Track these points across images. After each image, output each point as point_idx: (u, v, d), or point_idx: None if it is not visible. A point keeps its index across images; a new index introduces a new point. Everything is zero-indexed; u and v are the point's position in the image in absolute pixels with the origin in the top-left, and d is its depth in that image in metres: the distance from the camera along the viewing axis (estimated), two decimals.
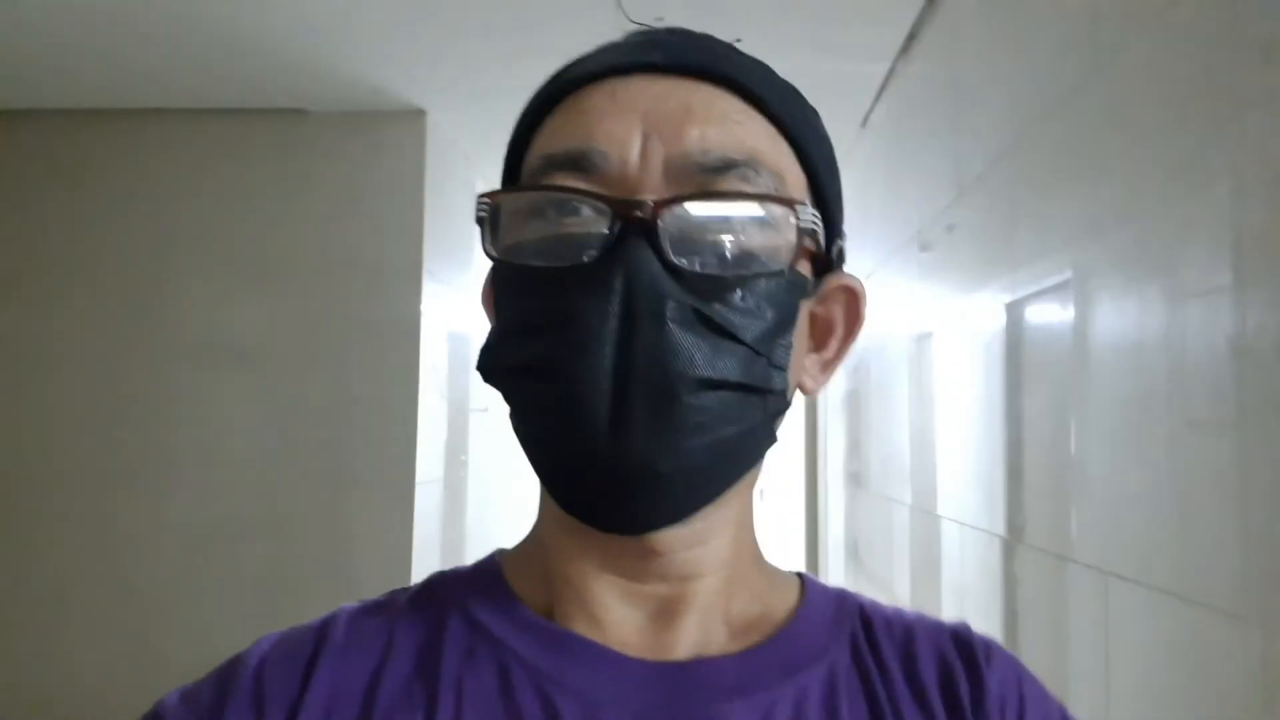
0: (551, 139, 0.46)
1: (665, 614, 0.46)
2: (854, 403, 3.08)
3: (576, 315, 0.41)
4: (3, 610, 2.60)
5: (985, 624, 1.43)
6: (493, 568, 0.50)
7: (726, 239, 0.43)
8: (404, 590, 0.51)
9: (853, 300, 0.50)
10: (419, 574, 2.57)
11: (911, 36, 2.17)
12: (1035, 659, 1.25)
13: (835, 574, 3.66)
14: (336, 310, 2.66)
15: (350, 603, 0.50)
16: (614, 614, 0.46)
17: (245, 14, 2.09)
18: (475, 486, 3.26)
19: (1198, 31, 0.93)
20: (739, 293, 0.42)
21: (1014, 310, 1.44)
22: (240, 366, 2.65)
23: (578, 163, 0.43)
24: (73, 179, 2.70)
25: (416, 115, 2.69)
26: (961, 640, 0.50)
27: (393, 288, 2.66)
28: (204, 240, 2.69)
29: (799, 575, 0.53)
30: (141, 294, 2.67)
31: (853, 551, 3.13)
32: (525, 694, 0.44)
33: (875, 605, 0.52)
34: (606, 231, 0.41)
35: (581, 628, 0.46)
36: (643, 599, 0.46)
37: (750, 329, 0.42)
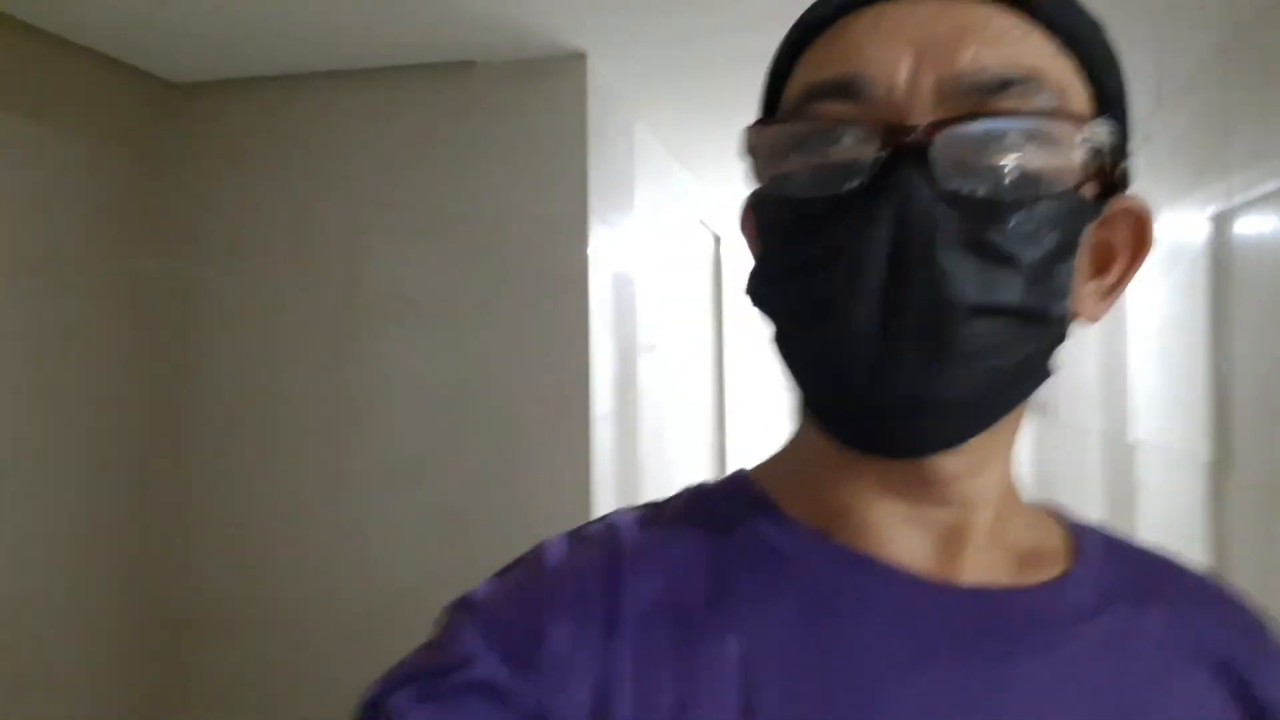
0: (814, 68, 0.45)
1: (950, 540, 0.46)
2: None
3: (845, 245, 0.40)
4: (224, 541, 2.93)
5: (1190, 554, 1.35)
6: (752, 487, 0.51)
7: (1004, 161, 0.41)
8: (665, 502, 0.52)
9: (1139, 225, 0.47)
10: (599, 506, 2.72)
11: None
12: (1248, 591, 1.18)
13: None
14: (508, 257, 2.78)
15: (622, 510, 0.51)
16: (899, 539, 0.46)
17: None
18: (645, 422, 3.35)
19: None
20: (1017, 217, 0.40)
21: (1221, 222, 1.33)
22: (422, 315, 2.83)
23: (843, 90, 0.42)
24: (269, 141, 2.94)
25: (577, 60, 2.73)
26: (1255, 625, 0.50)
27: (560, 233, 2.75)
28: (383, 196, 2.86)
29: (1051, 509, 0.54)
30: (332, 249, 2.89)
31: (1041, 483, 3.01)
32: (837, 616, 0.44)
33: (1154, 555, 0.52)
34: (874, 158, 0.40)
35: (869, 551, 0.46)
36: (926, 524, 0.46)
37: (1029, 254, 0.41)
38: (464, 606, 0.47)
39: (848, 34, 0.44)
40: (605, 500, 2.82)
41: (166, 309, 2.91)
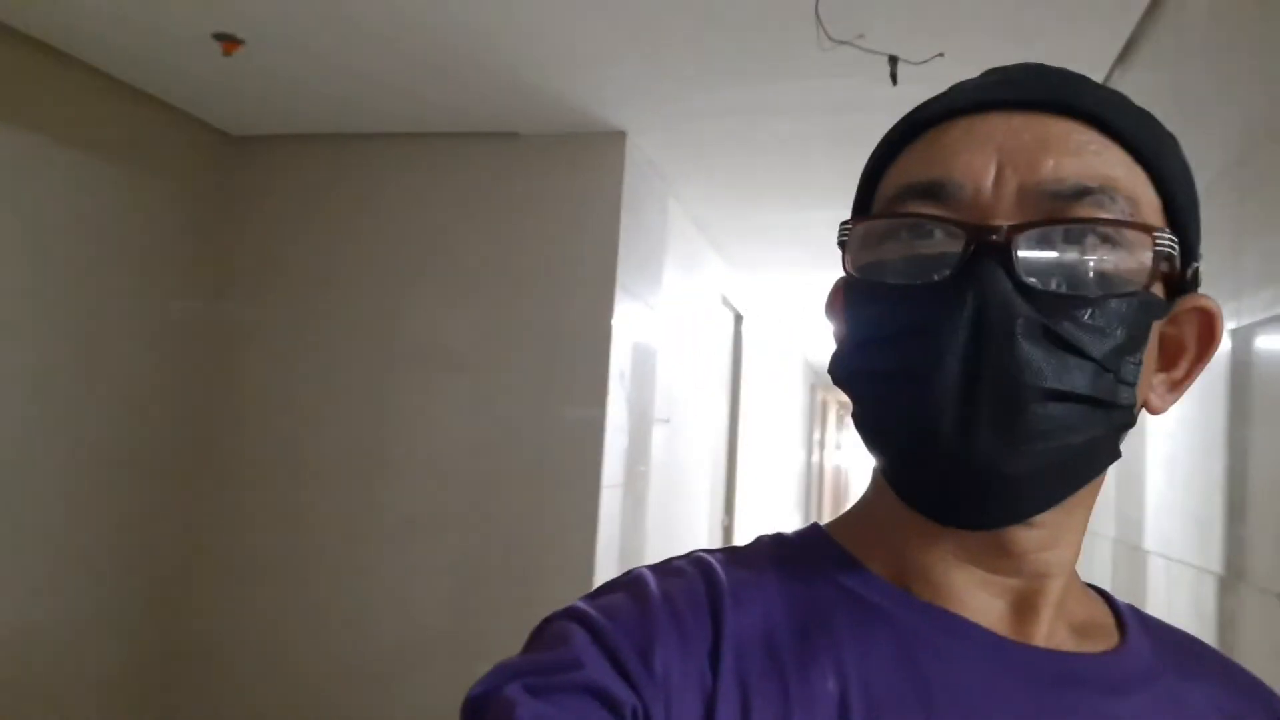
0: (908, 170, 0.49)
1: (1023, 606, 0.49)
2: None
3: (930, 328, 0.44)
4: (235, 581, 2.93)
5: None
6: (830, 541, 0.53)
7: (1079, 262, 0.44)
8: (744, 547, 0.55)
9: (1207, 322, 0.50)
10: (600, 572, 2.69)
11: (1130, 44, 2.06)
12: None
13: None
14: (537, 320, 2.83)
15: (701, 550, 0.54)
16: (975, 601, 0.49)
17: (470, 43, 2.28)
18: (654, 493, 3.35)
19: None
20: (1089, 311, 0.44)
21: (1240, 337, 1.35)
22: (456, 371, 2.88)
23: (934, 192, 0.47)
24: (317, 196, 3.04)
25: (617, 137, 2.82)
26: (1275, 705, 0.53)
27: (588, 300, 2.80)
28: (424, 253, 2.94)
29: (1091, 586, 0.57)
30: (369, 302, 2.96)
31: None
32: (928, 664, 0.46)
33: (1186, 636, 0.56)
34: (961, 253, 0.44)
35: (947, 608, 0.49)
36: (1001, 590, 0.49)
37: (1099, 346, 0.44)
38: (571, 615, 0.48)
39: (941, 141, 0.49)
40: (607, 569, 2.80)
41: (203, 348, 2.97)
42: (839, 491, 13.79)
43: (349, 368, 2.94)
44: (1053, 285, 0.44)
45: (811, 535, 0.54)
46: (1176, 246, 0.46)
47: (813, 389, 10.37)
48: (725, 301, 4.84)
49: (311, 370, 2.96)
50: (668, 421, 3.54)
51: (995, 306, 0.43)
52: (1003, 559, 0.48)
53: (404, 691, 2.73)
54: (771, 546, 0.54)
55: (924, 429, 0.44)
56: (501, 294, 2.87)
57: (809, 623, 0.48)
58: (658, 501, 3.40)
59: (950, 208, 0.46)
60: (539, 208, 2.87)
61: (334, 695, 2.79)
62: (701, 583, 0.49)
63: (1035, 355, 0.43)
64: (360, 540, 2.86)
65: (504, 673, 0.45)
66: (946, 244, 0.45)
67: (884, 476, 0.50)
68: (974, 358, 0.43)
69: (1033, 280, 0.43)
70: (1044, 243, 0.44)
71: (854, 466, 14.79)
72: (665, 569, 0.51)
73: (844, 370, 0.50)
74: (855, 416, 0.49)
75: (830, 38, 1.99)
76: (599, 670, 0.44)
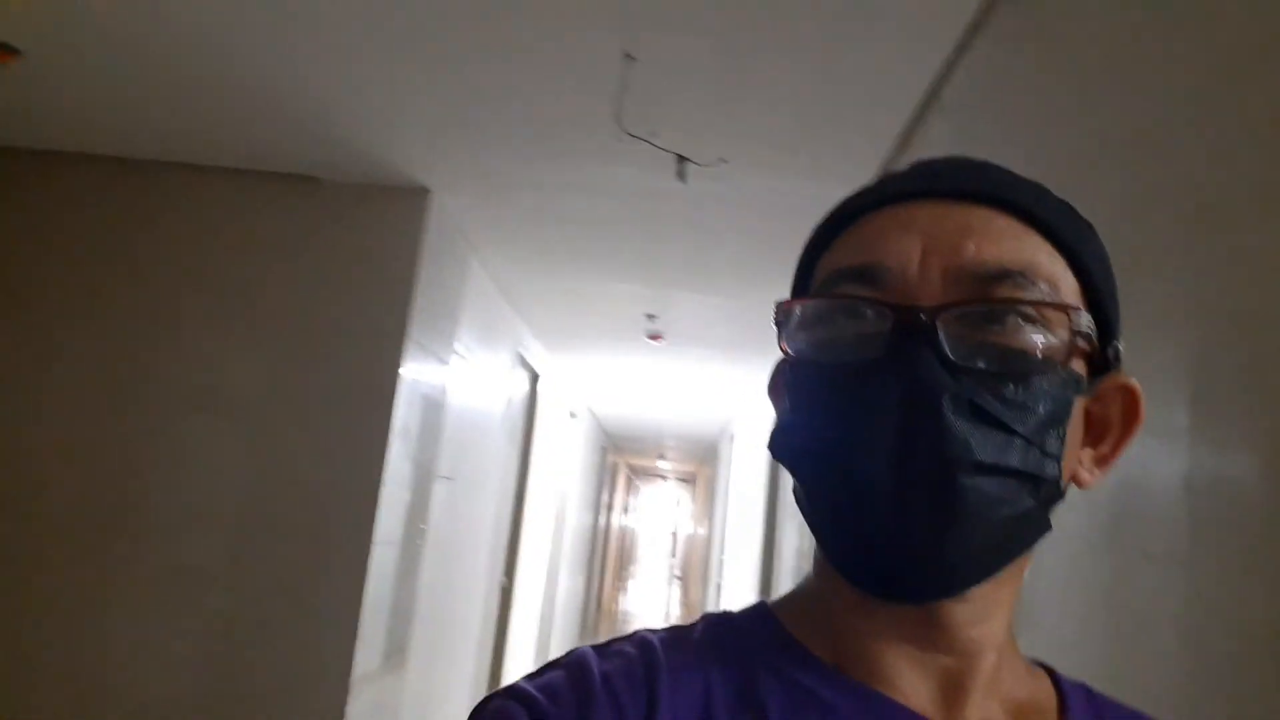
0: (841, 256, 0.52)
1: (954, 687, 0.50)
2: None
3: (863, 405, 0.46)
4: None
5: None
6: (773, 621, 0.55)
7: (1001, 339, 0.47)
8: (689, 626, 0.56)
9: (1131, 399, 0.52)
10: (366, 632, 2.59)
11: (886, 165, 2.34)
12: None
13: None
14: (321, 369, 2.75)
15: (646, 629, 0.55)
16: (906, 682, 0.50)
17: (271, 82, 2.23)
18: (431, 552, 3.30)
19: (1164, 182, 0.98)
20: (1012, 387, 0.46)
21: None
22: (226, 416, 2.72)
23: (865, 275, 0.49)
24: (81, 219, 2.82)
25: (421, 193, 2.84)
26: None
27: (376, 352, 2.76)
28: (207, 291, 2.79)
29: (1039, 664, 0.59)
30: (140, 337, 2.76)
31: None
32: None
33: (1134, 713, 0.58)
34: (889, 332, 0.46)
35: (880, 689, 0.50)
36: (932, 670, 0.50)
37: (1022, 420, 0.46)
38: (512, 695, 0.49)
39: (869, 228, 0.52)
40: (374, 628, 2.72)
41: None
42: (624, 554, 13.96)
43: (101, 407, 2.71)
44: (977, 363, 0.46)
45: (755, 615, 0.56)
46: (1093, 325, 0.49)
47: (603, 451, 10.55)
48: (523, 361, 4.89)
49: (55, 407, 2.71)
50: (451, 479, 3.52)
51: (922, 383, 0.45)
52: (935, 634, 0.50)
53: None
54: (715, 626, 0.55)
55: (859, 504, 0.46)
56: (285, 339, 2.77)
57: (743, 704, 0.49)
58: (433, 561, 3.34)
59: (880, 290, 0.48)
60: (333, 255, 2.82)
61: None
62: (640, 664, 0.51)
63: (962, 429, 0.45)
64: (103, 594, 2.62)
65: None
66: (877, 324, 0.47)
67: (823, 552, 0.52)
68: (904, 433, 0.45)
69: (957, 358, 0.45)
70: (968, 322, 0.47)
71: (641, 530, 15.02)
72: (607, 650, 0.53)
73: (783, 448, 0.52)
74: (795, 492, 0.52)
75: (626, 131, 2.12)
76: None
